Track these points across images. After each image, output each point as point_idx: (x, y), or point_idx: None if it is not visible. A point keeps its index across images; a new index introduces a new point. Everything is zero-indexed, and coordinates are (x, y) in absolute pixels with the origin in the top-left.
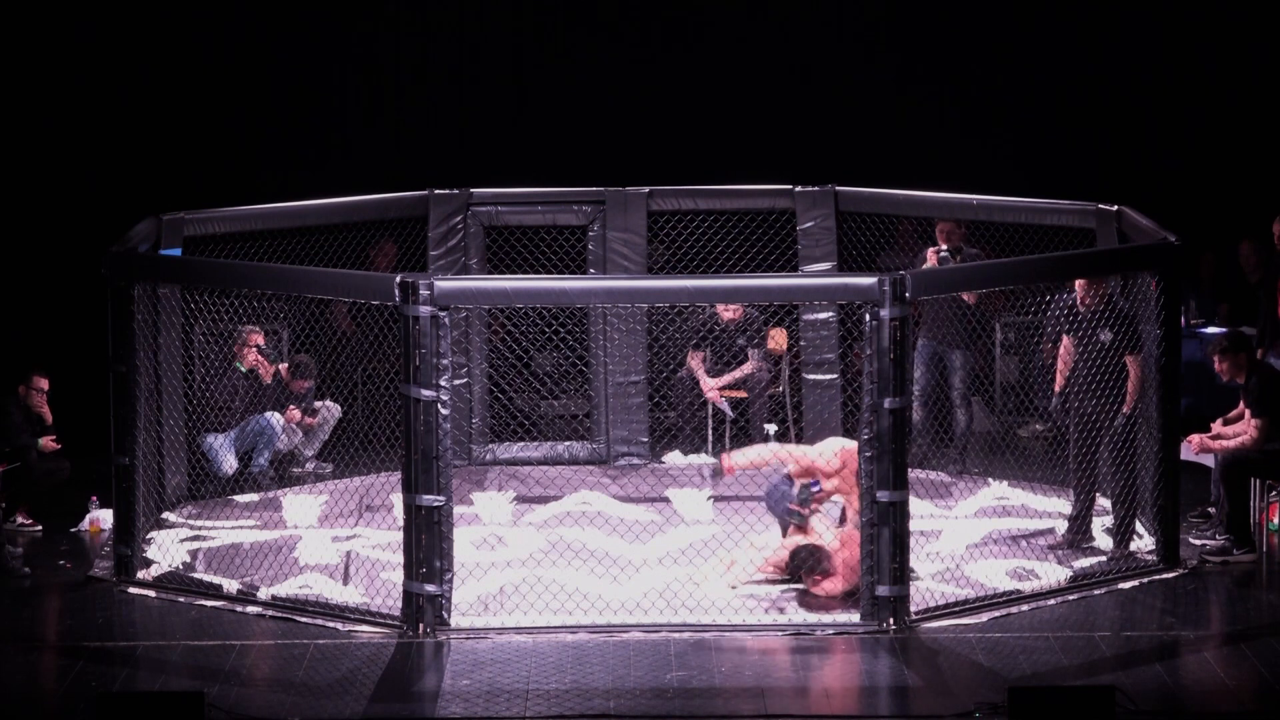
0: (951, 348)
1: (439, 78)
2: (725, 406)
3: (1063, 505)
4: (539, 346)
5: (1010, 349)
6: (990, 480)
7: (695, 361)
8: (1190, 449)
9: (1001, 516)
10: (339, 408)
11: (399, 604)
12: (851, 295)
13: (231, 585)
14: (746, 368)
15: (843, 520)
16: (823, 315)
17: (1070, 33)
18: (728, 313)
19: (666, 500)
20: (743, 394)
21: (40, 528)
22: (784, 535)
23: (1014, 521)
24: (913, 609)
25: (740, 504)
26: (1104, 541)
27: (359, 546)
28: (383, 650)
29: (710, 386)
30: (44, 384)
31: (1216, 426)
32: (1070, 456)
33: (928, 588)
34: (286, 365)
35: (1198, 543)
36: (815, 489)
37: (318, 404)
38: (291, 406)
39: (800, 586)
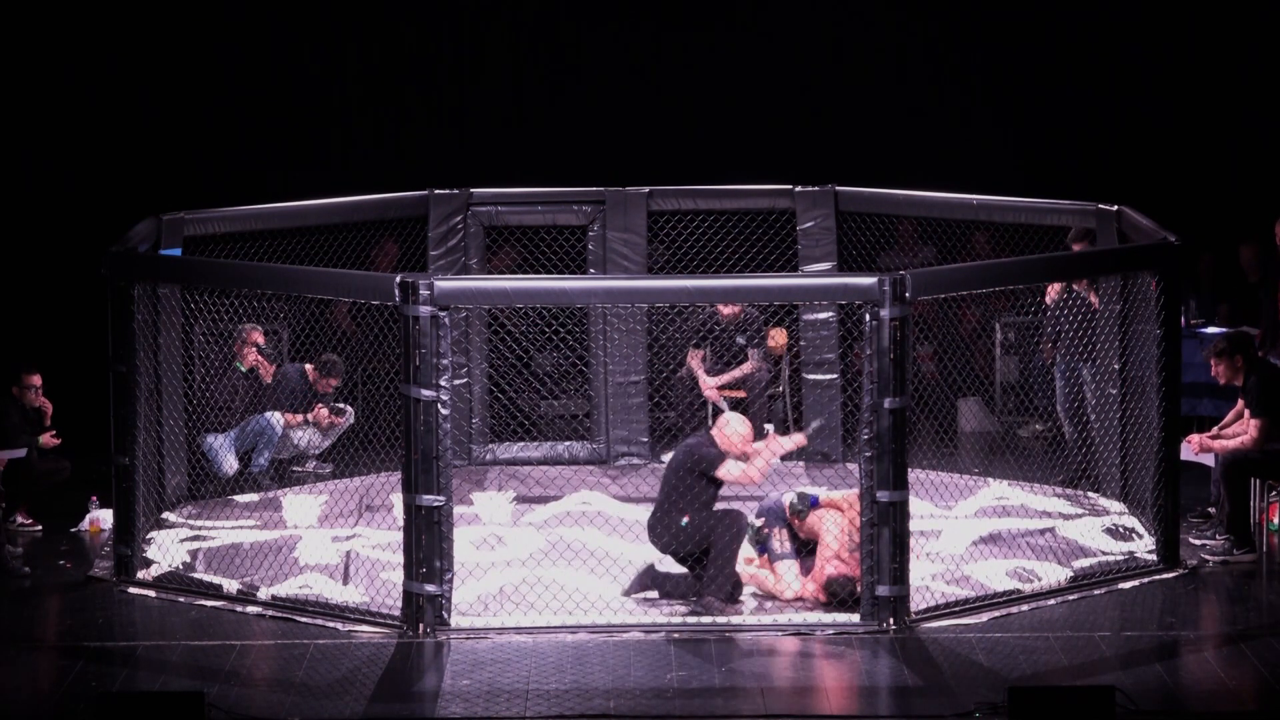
0: (1081, 363)
1: (439, 78)
2: (724, 406)
3: (1062, 505)
4: (539, 347)
5: (1010, 349)
6: (990, 480)
7: (695, 361)
8: (1190, 449)
9: (1001, 516)
10: (353, 412)
11: (399, 604)
12: (851, 295)
13: (231, 585)
14: (746, 367)
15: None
16: (823, 315)
17: (1070, 32)
18: (726, 309)
19: None
20: (742, 394)
21: (40, 528)
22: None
23: (1014, 521)
24: (913, 609)
25: (740, 504)
26: (1104, 542)
27: (359, 546)
28: (383, 650)
29: (709, 386)
30: (36, 380)
31: (1216, 432)
32: None
33: (928, 587)
34: (312, 365)
35: (1198, 543)
36: (806, 505)
37: (340, 405)
38: (319, 405)
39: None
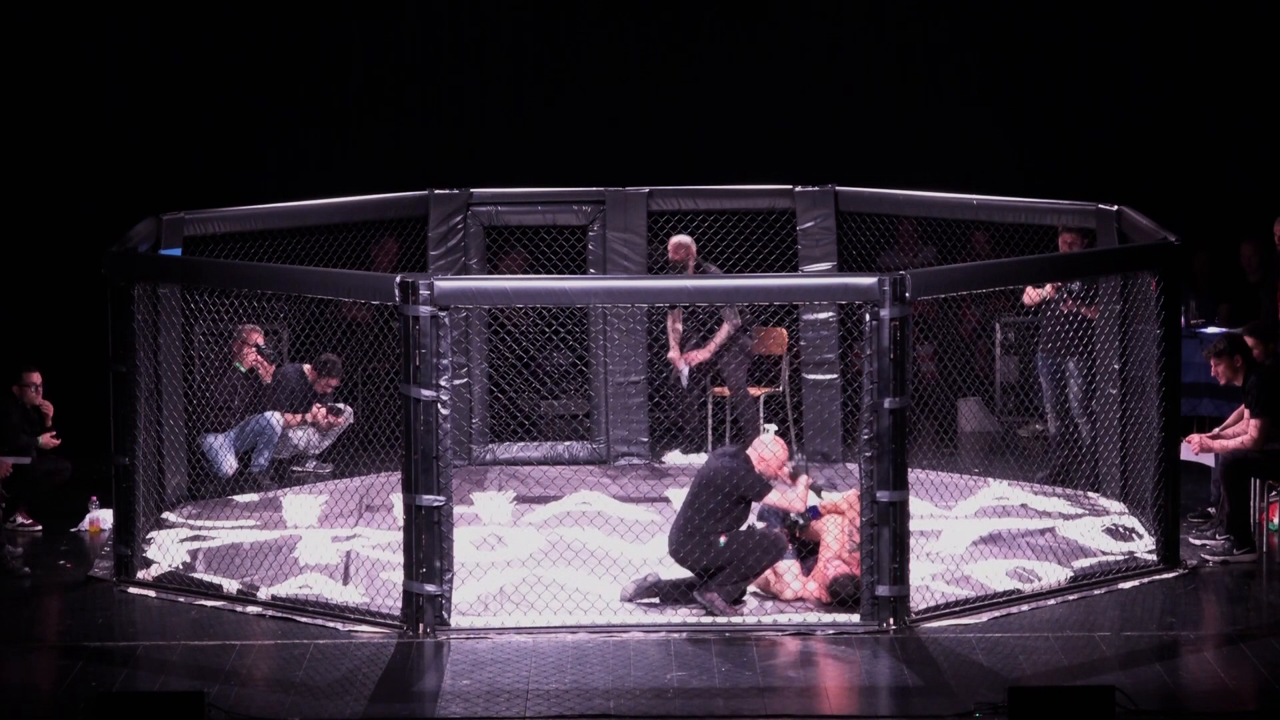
0: (1066, 358)
1: (439, 78)
2: (684, 375)
3: (1062, 505)
4: (539, 346)
5: (1010, 349)
6: (990, 480)
7: (672, 322)
8: (1190, 449)
9: (1001, 516)
10: (352, 411)
11: (399, 604)
12: (851, 295)
13: (231, 585)
14: (722, 333)
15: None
16: (823, 315)
17: (1070, 32)
18: (671, 252)
19: (666, 500)
20: (725, 392)
21: (40, 528)
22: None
23: (1014, 521)
24: (913, 609)
25: None
26: (1104, 542)
27: (359, 546)
28: (383, 650)
29: (678, 356)
30: (36, 378)
31: (1216, 432)
32: None
33: (928, 587)
34: (311, 366)
35: (1198, 543)
36: (807, 519)
37: (339, 405)
38: (317, 405)
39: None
